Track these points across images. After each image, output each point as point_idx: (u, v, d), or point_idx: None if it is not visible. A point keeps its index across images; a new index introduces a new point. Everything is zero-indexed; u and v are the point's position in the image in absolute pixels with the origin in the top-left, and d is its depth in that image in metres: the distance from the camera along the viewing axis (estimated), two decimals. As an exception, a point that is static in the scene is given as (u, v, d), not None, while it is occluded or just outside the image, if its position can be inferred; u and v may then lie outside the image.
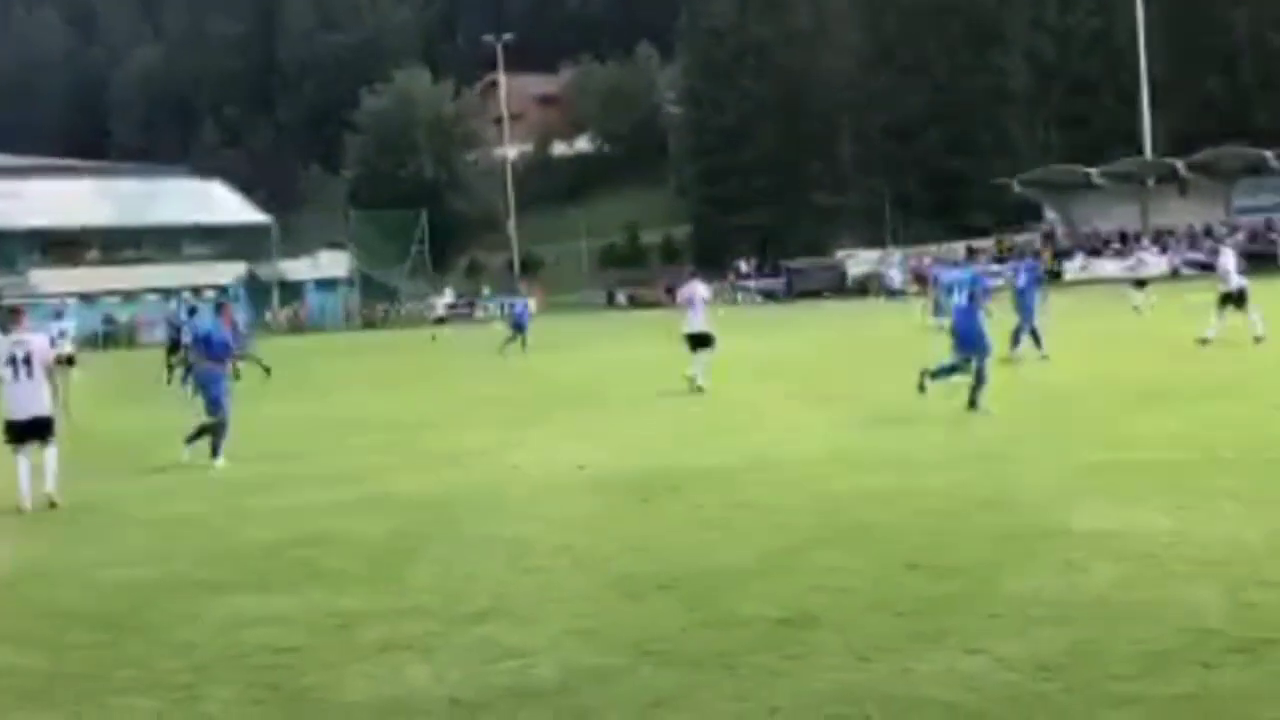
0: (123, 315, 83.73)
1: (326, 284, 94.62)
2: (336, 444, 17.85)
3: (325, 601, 8.61)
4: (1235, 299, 23.25)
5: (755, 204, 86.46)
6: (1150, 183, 72.66)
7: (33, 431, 13.20)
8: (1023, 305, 23.36)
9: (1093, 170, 71.06)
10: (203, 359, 16.87)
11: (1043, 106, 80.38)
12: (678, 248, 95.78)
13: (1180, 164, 68.75)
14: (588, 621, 7.70)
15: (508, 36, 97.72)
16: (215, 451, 15.74)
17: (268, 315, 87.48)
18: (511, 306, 40.44)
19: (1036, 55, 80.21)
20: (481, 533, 10.65)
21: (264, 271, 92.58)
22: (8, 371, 13.25)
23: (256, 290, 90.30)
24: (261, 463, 15.75)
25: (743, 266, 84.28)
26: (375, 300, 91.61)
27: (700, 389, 21.06)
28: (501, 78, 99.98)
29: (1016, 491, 10.93)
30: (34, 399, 13.26)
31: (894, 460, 13.05)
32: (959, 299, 16.66)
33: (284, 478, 14.54)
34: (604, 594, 8.39)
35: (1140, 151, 71.67)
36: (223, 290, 68.89)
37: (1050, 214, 76.62)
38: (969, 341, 16.29)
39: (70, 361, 25.12)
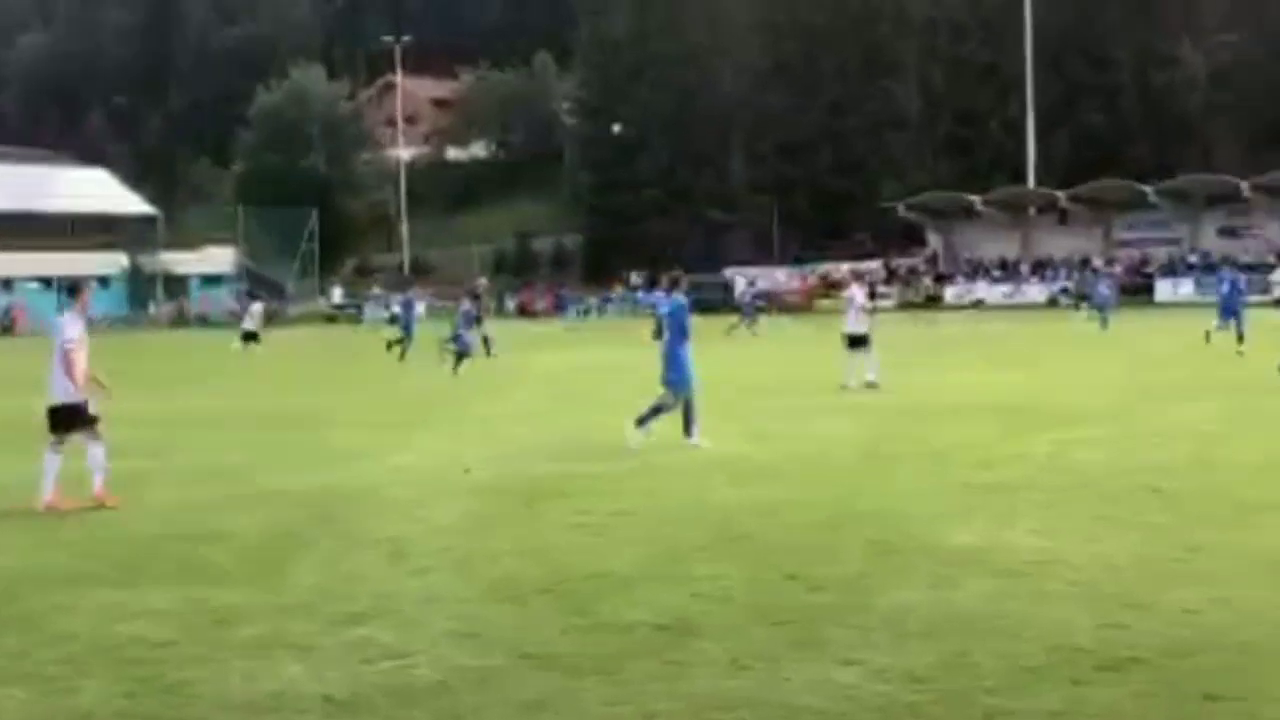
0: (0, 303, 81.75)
1: (212, 279, 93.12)
2: (215, 440, 17.61)
3: (202, 597, 8.51)
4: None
5: (647, 216, 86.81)
6: (1032, 212, 74.36)
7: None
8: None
9: (976, 198, 72.48)
10: None
11: (931, 133, 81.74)
12: (568, 257, 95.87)
13: (1061, 195, 70.40)
14: (468, 624, 7.70)
15: (406, 39, 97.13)
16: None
17: (151, 308, 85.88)
18: (405, 308, 39.19)
19: (927, 83, 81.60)
20: (363, 533, 10.59)
21: (148, 264, 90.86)
22: None
23: (139, 283, 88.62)
24: (133, 458, 15.41)
25: (634, 278, 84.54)
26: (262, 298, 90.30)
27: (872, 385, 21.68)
28: (399, 79, 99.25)
29: (894, 507, 11.11)
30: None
31: (776, 472, 13.22)
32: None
33: (158, 473, 14.30)
34: (485, 597, 8.39)
35: (1023, 181, 73.27)
36: (103, 282, 67.29)
37: (933, 238, 77.95)
38: (666, 374, 15.50)
39: None
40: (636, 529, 10.54)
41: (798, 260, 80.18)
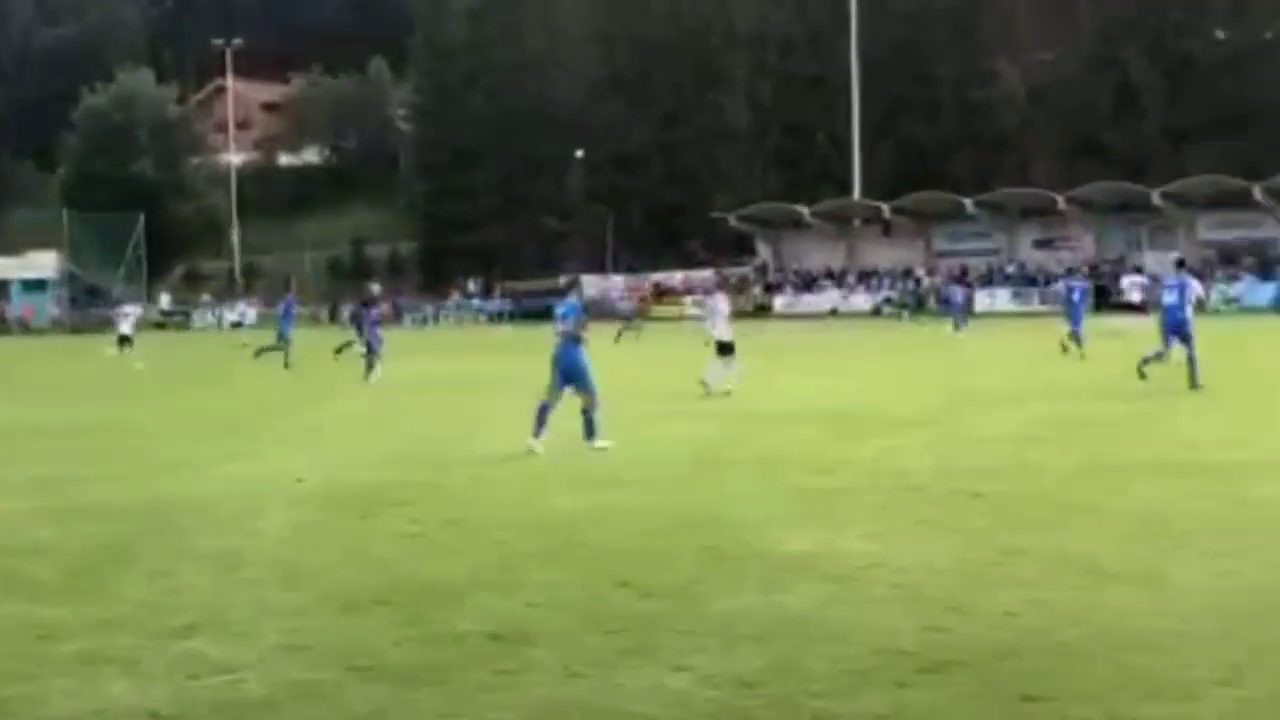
0: None
1: (34, 285, 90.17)
2: (36, 450, 17.08)
3: (23, 612, 8.26)
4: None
5: (483, 224, 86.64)
6: (857, 223, 76.08)
7: None
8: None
9: (804, 209, 73.87)
10: None
11: (760, 145, 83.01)
12: (404, 264, 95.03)
13: (885, 206, 72.14)
14: (299, 636, 7.60)
15: (237, 41, 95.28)
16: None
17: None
18: (284, 311, 37.11)
19: (756, 96, 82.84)
20: (190, 545, 10.37)
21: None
22: None
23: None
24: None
25: (470, 286, 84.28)
26: (88, 304, 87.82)
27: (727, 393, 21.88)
28: (229, 83, 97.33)
29: (728, 513, 11.25)
30: None
31: (609, 479, 13.28)
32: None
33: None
34: (316, 608, 8.29)
35: (849, 193, 74.89)
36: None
37: (763, 248, 79.16)
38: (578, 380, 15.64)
39: None
40: (469, 538, 10.51)
41: (631, 269, 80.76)
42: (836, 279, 73.98)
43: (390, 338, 32.27)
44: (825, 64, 78.89)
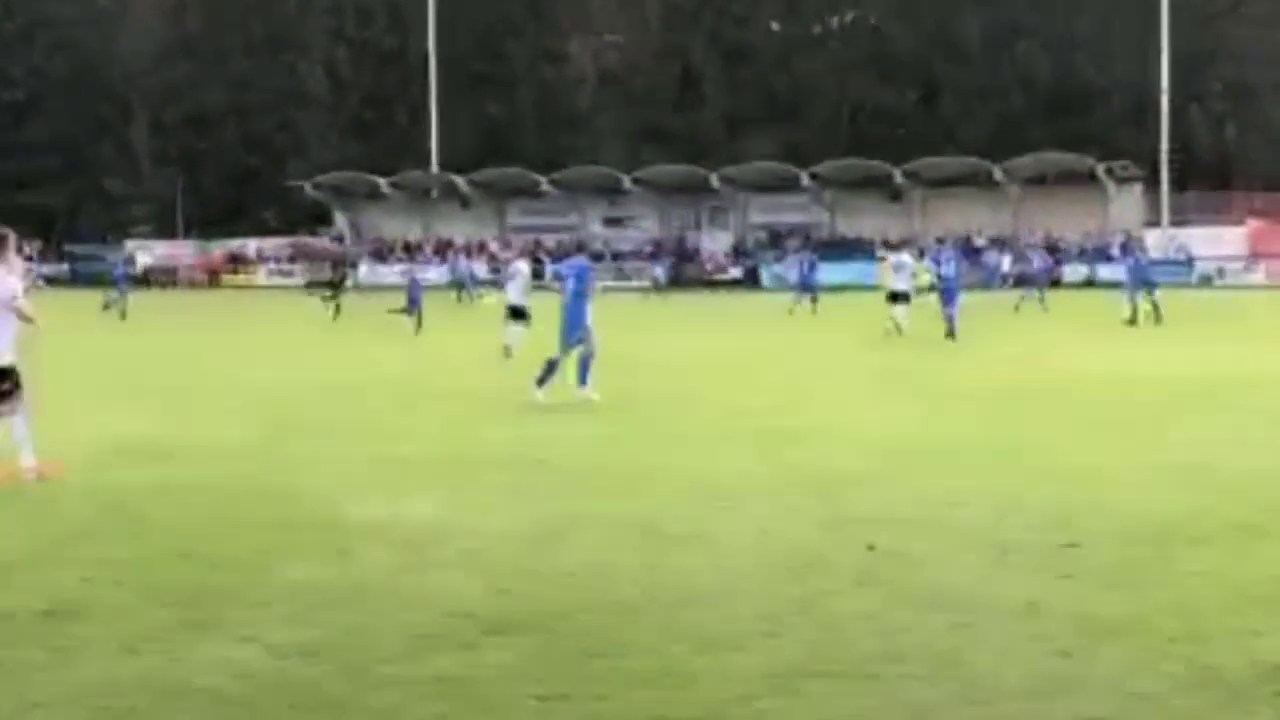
0: None
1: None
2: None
3: None
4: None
5: (41, 184, 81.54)
6: (434, 195, 76.17)
7: None
8: None
9: (381, 180, 73.35)
10: None
11: (338, 114, 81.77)
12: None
13: (461, 180, 72.57)
14: None
15: None
16: None
17: None
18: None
19: (333, 64, 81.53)
20: None
21: None
22: None
23: None
24: None
25: (25, 249, 79.05)
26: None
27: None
28: None
29: (297, 483, 11.12)
30: None
31: (176, 452, 12.84)
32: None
33: None
34: None
35: (427, 165, 74.87)
36: None
37: (340, 218, 78.10)
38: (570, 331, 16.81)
39: None
40: (24, 512, 10.01)
41: (203, 236, 78.13)
42: (412, 251, 73.84)
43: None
44: (404, 36, 78.54)
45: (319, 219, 79.35)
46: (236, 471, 11.75)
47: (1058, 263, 57.59)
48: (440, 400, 17.52)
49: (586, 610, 7.32)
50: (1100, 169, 63.58)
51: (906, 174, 66.67)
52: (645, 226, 72.28)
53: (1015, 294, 44.47)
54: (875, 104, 75.67)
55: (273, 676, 6.24)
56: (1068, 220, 63.99)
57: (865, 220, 67.84)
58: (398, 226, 75.77)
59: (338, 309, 37.40)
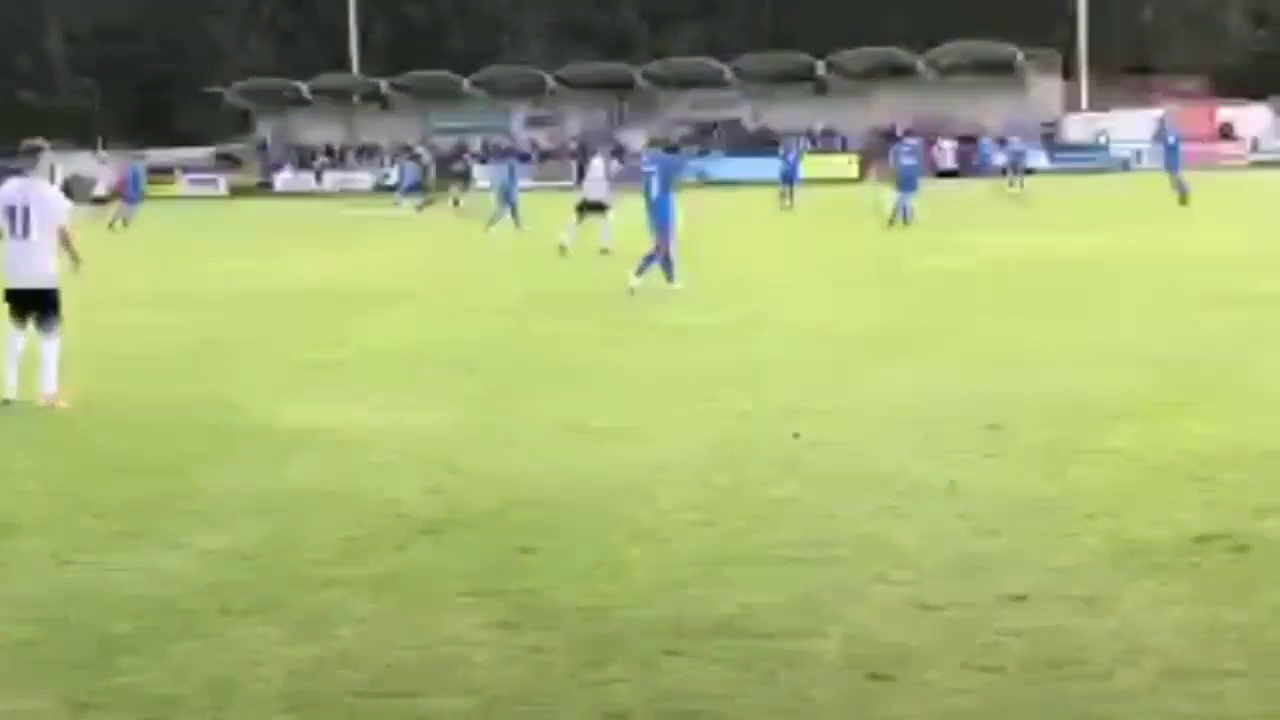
0: None
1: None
2: None
3: None
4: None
5: (-51, 98, 79.50)
6: (356, 99, 75.02)
7: (32, 304, 10.48)
8: None
9: (302, 84, 72.15)
10: None
11: (255, 19, 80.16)
12: None
13: (384, 83, 71.54)
14: None
15: None
16: None
17: None
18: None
19: (249, -35, 79.90)
20: None
21: None
22: (5, 225, 10.41)
23: None
24: None
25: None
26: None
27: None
28: None
29: (227, 392, 11.05)
30: (32, 264, 10.45)
31: (107, 363, 12.64)
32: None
33: None
34: None
35: (348, 69, 73.68)
36: None
37: (262, 125, 76.86)
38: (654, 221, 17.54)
39: None
40: (-57, 431, 9.86)
41: (122, 146, 76.48)
42: (336, 156, 72.91)
43: None
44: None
45: (240, 126, 78.05)
46: (169, 384, 11.64)
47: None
48: (373, 306, 17.40)
49: (519, 506, 7.35)
50: (1019, 56, 63.72)
51: (830, 65, 66.42)
52: (567, 126, 71.61)
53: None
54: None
55: (204, 581, 6.22)
56: (989, 109, 64.11)
57: (787, 113, 67.49)
58: (321, 132, 74.69)
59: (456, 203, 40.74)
